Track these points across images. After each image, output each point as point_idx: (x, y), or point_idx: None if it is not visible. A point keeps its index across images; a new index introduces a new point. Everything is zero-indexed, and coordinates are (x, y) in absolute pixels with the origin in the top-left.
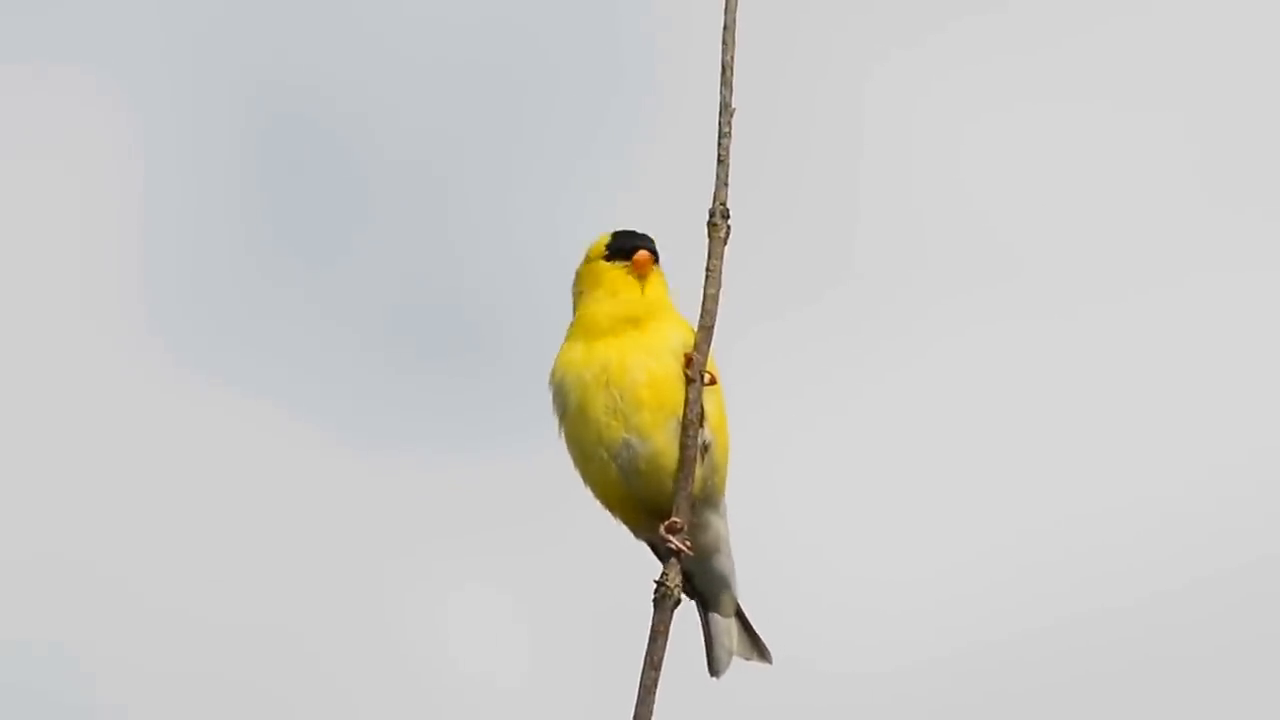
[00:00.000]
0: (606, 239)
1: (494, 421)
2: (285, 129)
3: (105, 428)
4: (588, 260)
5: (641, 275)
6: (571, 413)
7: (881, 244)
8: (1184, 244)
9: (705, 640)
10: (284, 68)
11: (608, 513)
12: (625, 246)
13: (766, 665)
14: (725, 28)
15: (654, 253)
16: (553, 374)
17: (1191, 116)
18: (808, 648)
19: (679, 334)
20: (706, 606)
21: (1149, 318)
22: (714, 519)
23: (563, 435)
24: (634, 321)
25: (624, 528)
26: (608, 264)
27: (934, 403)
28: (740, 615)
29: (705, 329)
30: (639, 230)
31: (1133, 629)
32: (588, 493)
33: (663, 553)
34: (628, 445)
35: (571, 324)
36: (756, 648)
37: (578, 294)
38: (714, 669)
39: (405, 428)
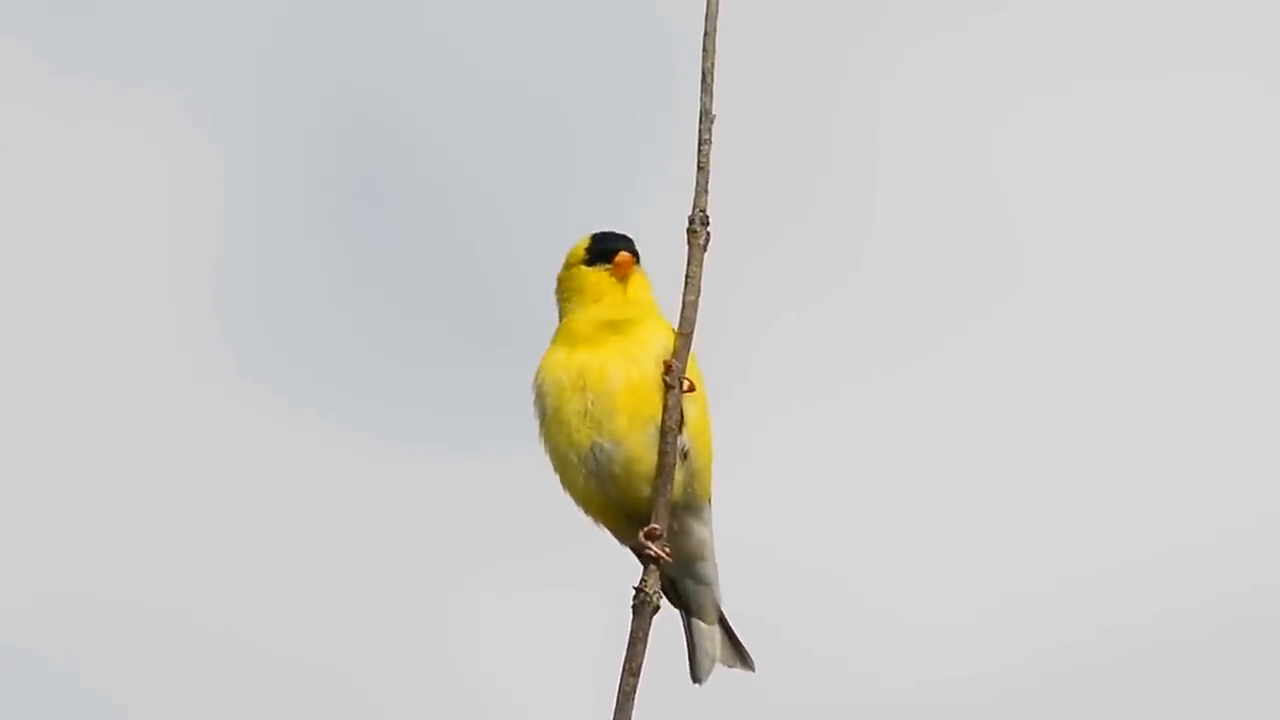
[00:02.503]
0: (586, 242)
1: None
2: (359, 151)
3: (176, 439)
4: (567, 266)
5: (623, 277)
6: (547, 417)
7: (903, 245)
8: (1232, 248)
9: (688, 647)
10: (359, 93)
11: (590, 519)
12: (605, 249)
13: (749, 673)
14: (706, 34)
15: (634, 253)
16: (534, 378)
17: (1237, 110)
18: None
19: (663, 339)
20: (689, 613)
21: (1185, 323)
22: (696, 525)
23: (541, 439)
24: (616, 326)
25: (607, 534)
26: (589, 269)
27: (957, 407)
28: (723, 622)
29: (684, 336)
30: (616, 231)
31: (1169, 642)
32: (569, 499)
33: (642, 559)
34: (600, 449)
35: (557, 329)
36: (739, 655)
37: (562, 300)
38: (696, 675)
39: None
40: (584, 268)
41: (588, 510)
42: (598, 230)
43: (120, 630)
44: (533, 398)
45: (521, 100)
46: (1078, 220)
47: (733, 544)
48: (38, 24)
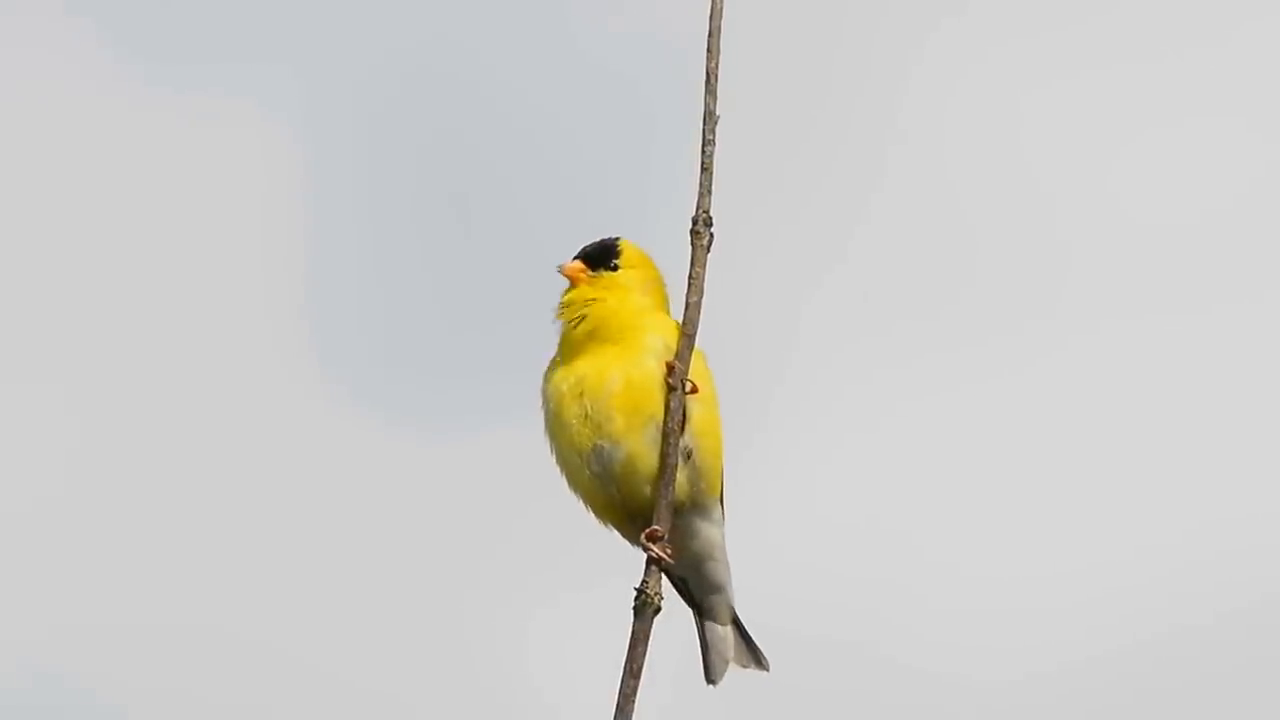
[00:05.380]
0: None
1: None
2: (446, 165)
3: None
4: None
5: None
6: (550, 422)
7: (917, 242)
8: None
9: (701, 648)
10: (444, 105)
11: (598, 520)
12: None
13: (764, 673)
14: (710, 35)
15: (591, 257)
16: (541, 386)
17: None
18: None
19: (661, 337)
20: (703, 614)
21: (1244, 314)
22: (705, 525)
23: (547, 444)
24: (594, 336)
25: (616, 535)
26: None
27: (975, 403)
28: (737, 623)
29: (687, 337)
30: (604, 238)
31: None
32: (578, 501)
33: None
34: (600, 451)
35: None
36: (754, 655)
37: None
38: (710, 677)
39: None
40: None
41: (595, 510)
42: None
43: (158, 637)
44: (539, 405)
45: (529, 102)
46: (1116, 214)
47: (756, 545)
48: (124, 26)
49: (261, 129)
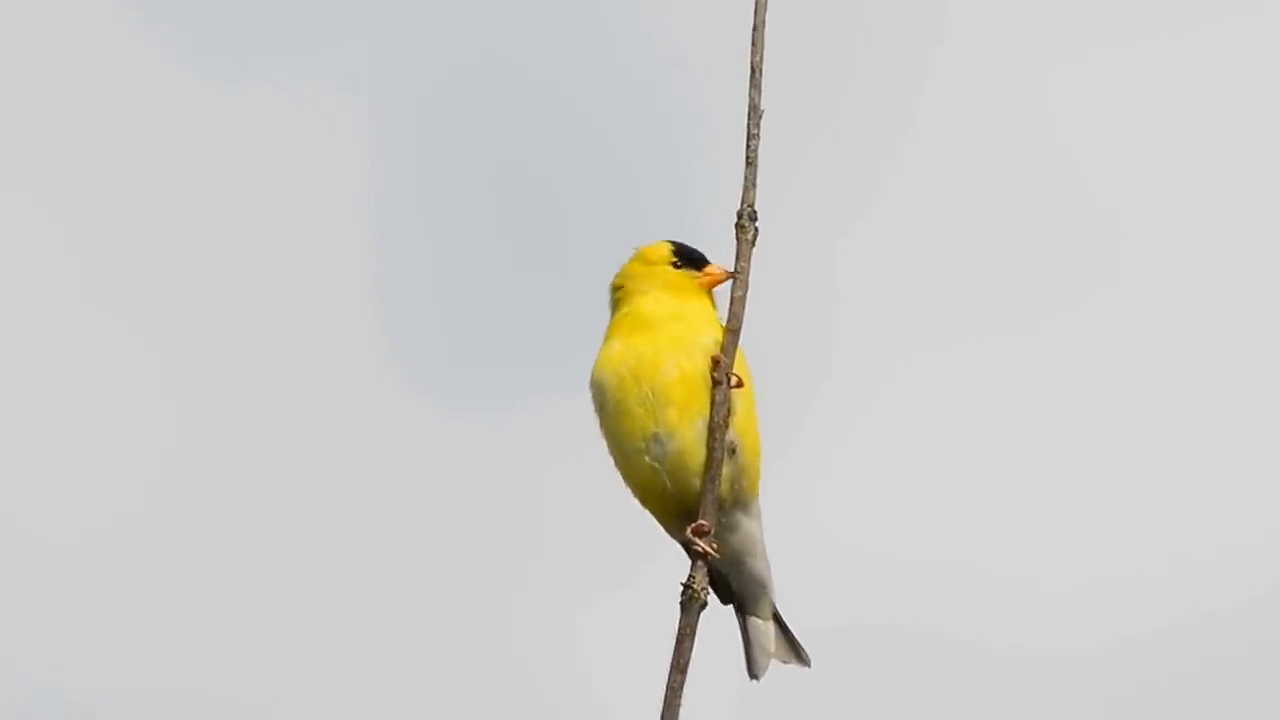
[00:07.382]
0: (668, 246)
1: None
2: (516, 158)
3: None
4: (646, 262)
5: (709, 285)
6: (609, 408)
7: (956, 230)
8: None
9: (744, 643)
10: (519, 101)
11: (646, 512)
12: (695, 257)
13: (805, 669)
14: (755, 28)
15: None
16: (592, 373)
17: None
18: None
19: (713, 335)
20: (744, 610)
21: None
22: (745, 521)
23: (602, 432)
24: (679, 317)
25: (662, 529)
26: (675, 269)
27: (1023, 391)
28: (778, 618)
29: (733, 332)
30: (680, 242)
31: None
32: (627, 491)
33: (691, 555)
34: (656, 439)
35: (613, 322)
36: (794, 651)
37: (628, 293)
38: (753, 672)
39: None
40: (670, 268)
41: (646, 501)
42: (676, 241)
43: (181, 630)
44: (591, 393)
45: (575, 98)
46: (1161, 185)
47: (801, 536)
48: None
49: (333, 115)
